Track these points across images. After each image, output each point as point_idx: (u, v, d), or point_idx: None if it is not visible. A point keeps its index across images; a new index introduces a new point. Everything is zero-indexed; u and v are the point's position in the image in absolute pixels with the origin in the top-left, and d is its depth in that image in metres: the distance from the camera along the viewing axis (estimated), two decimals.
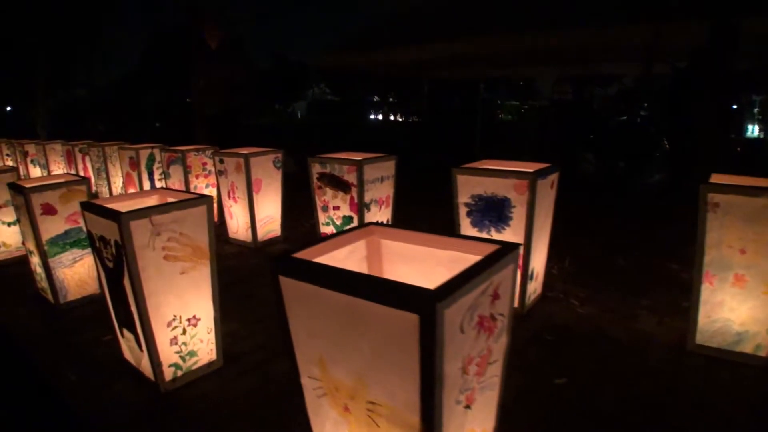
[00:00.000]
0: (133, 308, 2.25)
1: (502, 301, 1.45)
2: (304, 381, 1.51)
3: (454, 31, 10.00)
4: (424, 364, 1.16)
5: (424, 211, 5.19)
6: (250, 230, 4.49)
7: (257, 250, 4.55)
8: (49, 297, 3.38)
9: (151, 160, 5.68)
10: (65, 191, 3.24)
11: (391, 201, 3.99)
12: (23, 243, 4.26)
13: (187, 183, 4.93)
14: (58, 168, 7.82)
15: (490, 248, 1.50)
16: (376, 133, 23.03)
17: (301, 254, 1.50)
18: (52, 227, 3.23)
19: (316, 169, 3.83)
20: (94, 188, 6.71)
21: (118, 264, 2.19)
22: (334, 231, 3.89)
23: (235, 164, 4.36)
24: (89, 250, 3.32)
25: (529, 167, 3.11)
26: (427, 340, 1.13)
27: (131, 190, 5.88)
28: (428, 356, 1.15)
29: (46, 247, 3.22)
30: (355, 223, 3.72)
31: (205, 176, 5.10)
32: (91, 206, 2.28)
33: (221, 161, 4.48)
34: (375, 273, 1.82)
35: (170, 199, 2.57)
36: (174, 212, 2.23)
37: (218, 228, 5.00)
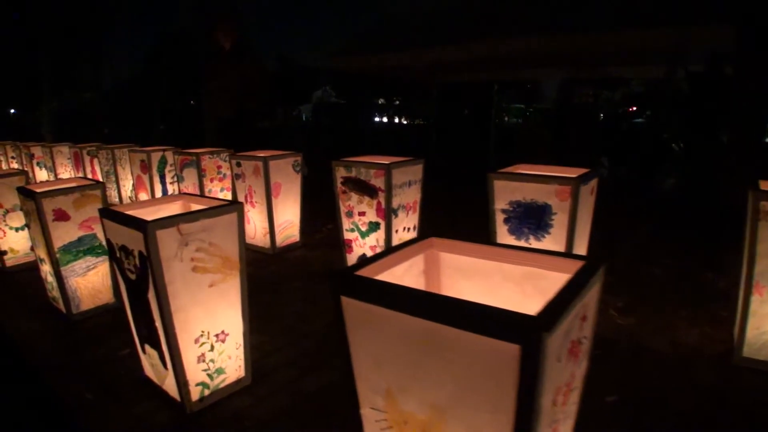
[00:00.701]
0: (158, 324, 2.06)
1: (588, 323, 1.30)
2: (365, 412, 1.33)
3: (469, 33, 9.87)
4: (522, 399, 1.00)
5: (447, 217, 5.01)
6: (268, 236, 4.32)
7: (275, 256, 4.36)
8: (61, 307, 3.20)
9: (162, 163, 5.50)
10: (79, 196, 3.06)
11: (418, 206, 3.80)
12: (32, 249, 4.09)
13: (201, 187, 4.75)
14: (65, 171, 7.65)
15: (567, 264, 1.35)
16: (383, 136, 22.86)
17: (363, 271, 1.31)
18: (64, 234, 3.05)
19: (340, 173, 3.64)
20: None
21: (142, 276, 2.00)
22: (359, 237, 3.72)
23: (254, 167, 4.18)
24: (103, 257, 3.15)
25: (568, 172, 2.96)
26: (528, 373, 0.97)
27: (142, 194, 5.70)
28: (528, 390, 0.98)
29: (58, 255, 3.04)
30: (381, 230, 3.54)
31: (220, 180, 4.92)
32: (112, 214, 2.10)
33: (238, 164, 4.30)
34: (433, 289, 1.64)
35: (194, 206, 2.39)
36: (203, 220, 2.04)
37: None
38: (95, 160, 6.94)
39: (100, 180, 6.43)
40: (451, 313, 1.06)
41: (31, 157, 8.03)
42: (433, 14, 11.58)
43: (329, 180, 3.73)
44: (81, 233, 3.10)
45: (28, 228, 3.27)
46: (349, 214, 3.71)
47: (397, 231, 3.63)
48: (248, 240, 4.53)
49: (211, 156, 4.81)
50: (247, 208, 4.39)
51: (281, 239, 4.40)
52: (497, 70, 12.58)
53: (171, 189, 5.64)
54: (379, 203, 3.53)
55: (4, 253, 4.22)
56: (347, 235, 3.77)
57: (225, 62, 5.61)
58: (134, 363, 2.53)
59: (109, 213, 2.12)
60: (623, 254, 4.33)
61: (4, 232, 4.19)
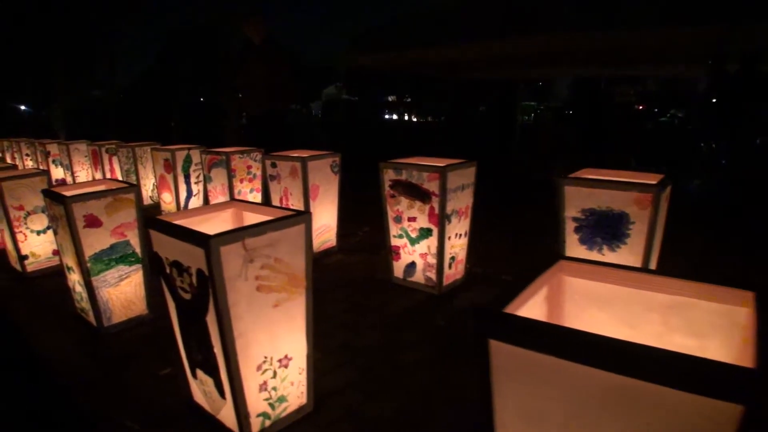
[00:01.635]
0: (218, 350, 1.80)
1: None
2: None
3: (493, 30, 9.63)
4: None
5: (490, 222, 4.74)
6: None
7: (313, 262, 4.08)
8: (91, 319, 2.95)
9: (187, 162, 5.25)
10: (111, 200, 2.80)
11: (470, 211, 3.53)
12: (54, 253, 3.86)
13: (231, 188, 4.49)
14: (82, 169, 7.41)
15: (719, 291, 1.16)
16: (397, 133, 22.58)
17: (509, 308, 1.06)
18: (95, 242, 2.79)
19: (388, 175, 3.37)
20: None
21: (201, 297, 1.74)
22: (408, 244, 3.46)
23: (290, 168, 3.92)
24: (137, 266, 2.90)
25: (641, 178, 2.76)
26: None
27: (166, 194, 5.44)
28: None
29: (89, 264, 2.78)
30: (434, 236, 3.28)
31: (250, 180, 4.66)
32: (164, 225, 1.83)
33: (273, 165, 4.04)
34: (555, 319, 1.37)
35: (247, 214, 2.13)
36: (270, 234, 1.78)
37: None
38: (114, 159, 6.70)
39: (119, 179, 6.20)
40: (652, 366, 0.83)
41: (47, 154, 7.79)
42: (455, 10, 11.34)
43: (357, 179, 3.47)
44: (113, 240, 2.85)
45: (55, 234, 3.02)
46: (398, 220, 3.44)
47: (449, 238, 3.36)
48: None
49: (241, 155, 4.55)
50: None
51: (318, 244, 4.14)
52: (520, 67, 12.33)
53: (196, 189, 5.39)
54: (432, 208, 3.26)
55: (25, 257, 3.98)
56: (395, 242, 3.50)
57: (254, 57, 5.34)
58: (178, 384, 2.28)
59: (160, 224, 1.85)
60: (689, 262, 4.05)
61: (25, 236, 3.95)
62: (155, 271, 1.99)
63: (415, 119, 43.66)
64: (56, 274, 3.86)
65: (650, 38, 8.13)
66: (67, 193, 2.80)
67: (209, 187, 4.71)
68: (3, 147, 9.56)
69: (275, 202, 4.17)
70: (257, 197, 4.76)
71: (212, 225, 2.11)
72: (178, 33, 23.62)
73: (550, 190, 2.87)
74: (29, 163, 8.57)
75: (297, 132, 15.30)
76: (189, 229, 1.72)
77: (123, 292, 2.95)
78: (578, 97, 11.93)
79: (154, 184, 6.09)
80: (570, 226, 2.81)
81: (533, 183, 7.73)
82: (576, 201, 2.73)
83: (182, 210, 4.38)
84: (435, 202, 3.25)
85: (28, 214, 3.92)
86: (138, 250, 2.96)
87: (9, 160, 8.73)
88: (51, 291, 3.67)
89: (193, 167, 5.27)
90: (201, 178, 5.36)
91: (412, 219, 3.38)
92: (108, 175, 6.80)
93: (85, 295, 2.90)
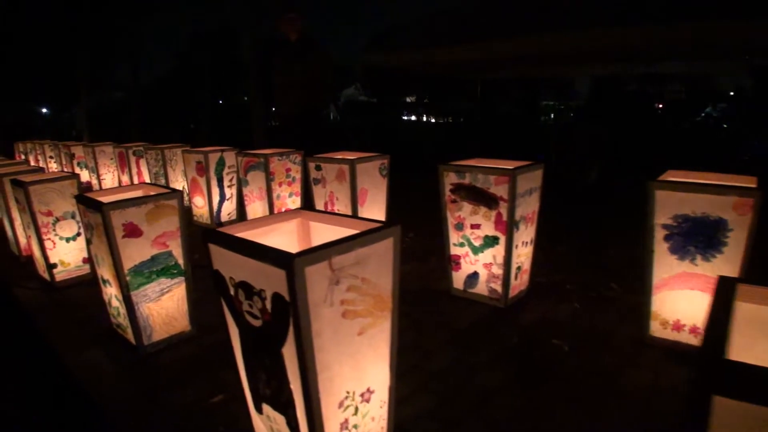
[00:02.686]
0: (295, 386, 1.50)
1: None
2: None
3: (520, 27, 9.36)
4: None
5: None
6: None
7: None
8: (129, 337, 2.68)
9: (221, 164, 4.98)
10: (153, 207, 2.52)
11: (536, 218, 3.22)
12: (84, 261, 3.61)
13: (269, 191, 4.22)
14: (108, 171, 7.20)
15: None
16: (417, 134, 22.30)
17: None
18: (135, 253, 2.52)
19: (449, 179, 3.07)
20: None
21: (277, 326, 1.45)
22: (470, 253, 3.15)
23: (337, 172, 3.64)
24: (179, 279, 2.63)
25: (737, 181, 2.53)
26: None
27: (198, 198, 5.18)
28: None
29: (128, 278, 2.50)
30: (500, 245, 2.97)
31: (289, 184, 4.39)
32: (230, 241, 1.55)
33: (318, 168, 3.76)
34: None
35: (317, 224, 1.84)
36: (358, 250, 1.48)
37: None
38: (141, 161, 6.46)
39: (147, 182, 5.95)
40: None
41: (72, 156, 7.59)
42: (482, 8, 11.07)
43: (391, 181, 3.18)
44: (155, 251, 2.57)
45: (89, 243, 2.75)
46: (459, 227, 3.14)
47: (516, 246, 3.05)
48: None
49: (280, 157, 4.27)
50: None
51: None
52: (550, 65, 12.03)
53: (229, 193, 5.12)
54: (499, 214, 2.96)
55: (54, 266, 3.72)
56: (455, 251, 3.20)
57: (291, 55, 5.06)
58: (233, 414, 2.01)
59: (225, 239, 1.57)
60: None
61: (54, 243, 3.69)
62: (215, 290, 1.70)
63: (433, 120, 43.40)
64: (87, 284, 3.63)
65: (686, 33, 7.85)
66: (104, 200, 2.53)
67: (245, 191, 4.44)
68: (26, 149, 9.40)
69: (319, 206, 3.89)
70: (296, 201, 4.49)
71: (279, 238, 1.83)
72: (200, 34, 23.56)
73: (595, 192, 2.58)
74: (53, 166, 8.39)
75: (324, 132, 15.02)
76: (265, 246, 1.44)
77: (164, 307, 2.68)
78: (613, 96, 11.57)
79: (183, 188, 5.84)
80: (660, 234, 2.52)
81: (574, 184, 7.41)
82: (668, 206, 2.46)
83: (244, 221, 4.12)
84: (503, 208, 2.95)
85: (57, 220, 3.67)
86: (181, 261, 2.69)
87: (33, 163, 8.54)
88: (82, 302, 3.41)
89: (226, 170, 5.01)
90: (234, 181, 5.10)
91: (475, 226, 3.08)
92: (135, 179, 6.57)
93: (122, 310, 2.63)
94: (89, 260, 3.84)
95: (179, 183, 5.73)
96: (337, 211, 3.73)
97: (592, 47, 8.78)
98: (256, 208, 4.34)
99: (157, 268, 2.60)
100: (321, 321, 1.44)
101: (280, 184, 4.31)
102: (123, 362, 2.62)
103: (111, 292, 2.70)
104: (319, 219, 1.91)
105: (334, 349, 1.51)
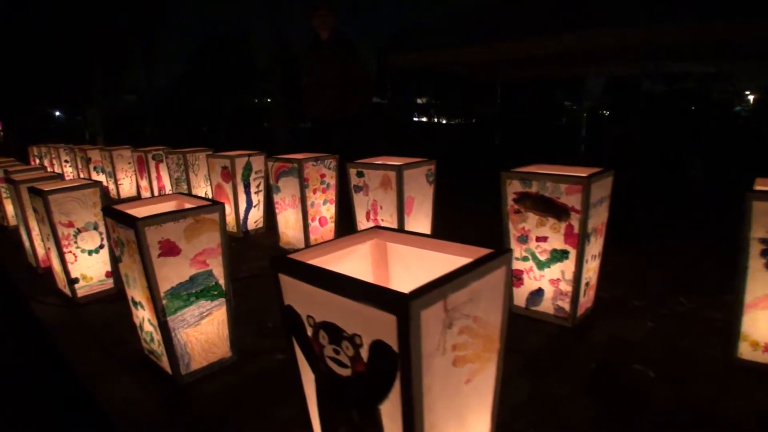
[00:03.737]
0: None
1: None
2: None
3: (544, 27, 9.17)
4: None
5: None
6: None
7: None
8: (164, 365, 2.39)
9: (247, 169, 4.70)
10: (192, 222, 2.23)
11: (605, 228, 2.92)
12: (107, 275, 3.35)
13: (304, 199, 3.94)
14: (126, 176, 6.94)
15: None
16: (432, 135, 22.03)
17: None
18: (173, 273, 2.23)
19: (513, 187, 2.78)
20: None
21: (378, 380, 1.16)
22: (534, 268, 2.86)
23: (382, 178, 3.34)
24: (220, 300, 2.34)
25: None
26: None
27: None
28: None
29: (164, 301, 2.21)
30: (570, 260, 2.68)
31: (323, 191, 4.10)
32: (310, 273, 1.25)
33: (360, 174, 3.47)
34: None
35: (395, 246, 1.55)
36: (472, 285, 1.19)
37: None
38: (161, 165, 6.20)
39: (166, 187, 5.70)
40: None
41: (88, 161, 7.33)
42: (506, 6, 10.85)
43: None
44: (194, 271, 2.29)
45: (118, 261, 2.46)
46: (523, 239, 2.84)
47: (587, 261, 2.75)
48: None
49: (315, 163, 3.98)
50: (367, 226, 3.56)
51: None
52: (574, 65, 11.78)
53: (256, 200, 4.85)
54: (569, 226, 2.66)
55: (75, 281, 3.45)
56: (517, 265, 2.90)
57: (323, 54, 4.77)
58: None
59: (302, 270, 1.27)
60: None
61: (75, 256, 3.42)
62: (284, 328, 1.41)
63: (444, 121, 43.09)
64: (110, 300, 3.36)
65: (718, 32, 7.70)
66: (134, 212, 2.25)
67: (276, 198, 4.15)
68: (41, 153, 9.16)
69: (360, 216, 3.60)
70: (330, 209, 4.20)
71: (353, 264, 1.54)
72: (211, 37, 23.40)
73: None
74: (68, 170, 8.14)
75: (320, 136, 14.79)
76: (364, 282, 1.14)
77: (204, 332, 2.39)
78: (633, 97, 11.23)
79: (205, 194, 5.57)
80: (756, 249, 2.24)
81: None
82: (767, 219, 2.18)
83: (316, 245, 3.86)
84: (574, 219, 2.65)
85: (79, 231, 3.40)
86: (222, 281, 2.40)
87: (48, 167, 8.30)
88: (107, 321, 3.14)
89: (253, 175, 4.73)
90: (262, 187, 4.82)
91: (542, 239, 2.78)
92: (154, 184, 6.30)
93: (157, 336, 2.34)
94: (112, 274, 3.56)
95: (201, 189, 5.46)
96: (381, 222, 3.44)
97: (627, 45, 8.55)
98: (288, 216, 4.05)
99: (196, 289, 2.31)
100: (432, 373, 1.15)
101: (314, 191, 4.02)
102: (159, 395, 2.33)
103: (143, 316, 2.42)
104: (398, 239, 1.62)
105: (442, 404, 1.22)
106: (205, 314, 2.38)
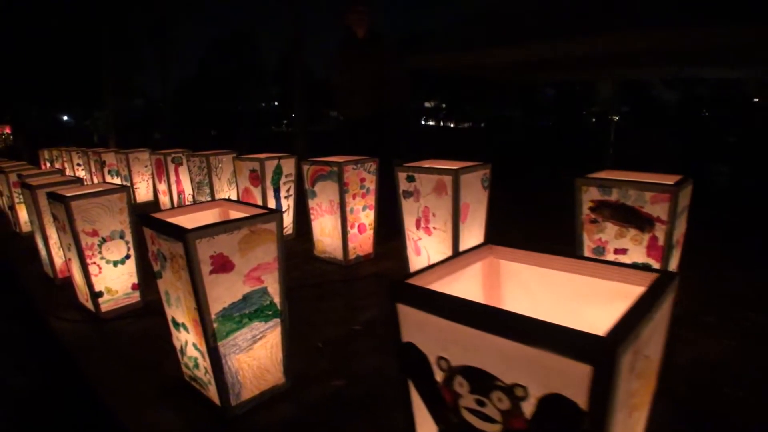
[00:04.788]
0: None
1: None
2: None
3: (573, 27, 8.86)
4: None
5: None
6: None
7: None
8: (211, 395, 2.13)
9: (277, 173, 4.45)
10: (247, 234, 1.97)
11: (683, 240, 2.65)
12: (133, 288, 3.10)
13: (343, 205, 3.67)
14: (142, 180, 6.68)
15: None
16: (445, 140, 21.80)
17: None
18: (225, 292, 1.96)
19: (589, 195, 2.51)
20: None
21: None
22: None
23: (435, 183, 3.08)
24: (274, 321, 2.08)
25: None
26: None
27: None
28: None
29: (215, 325, 1.94)
30: None
31: (363, 196, 3.83)
32: (450, 305, 0.98)
33: (410, 179, 3.20)
34: None
35: (509, 264, 1.30)
36: (655, 317, 0.93)
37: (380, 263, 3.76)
38: (180, 168, 5.94)
39: (185, 191, 5.45)
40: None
41: (103, 164, 7.07)
42: (525, 8, 10.56)
43: None
44: (247, 289, 2.02)
45: (158, 277, 2.19)
46: (599, 251, 2.57)
47: None
48: None
49: (355, 166, 3.71)
50: (418, 235, 3.30)
51: None
52: (606, 67, 11.54)
53: (285, 204, 4.59)
54: (653, 238, 2.39)
55: (100, 294, 3.19)
56: None
57: (358, 53, 4.51)
58: None
59: (432, 301, 1.01)
60: None
61: (100, 268, 3.16)
62: (403, 368, 1.14)
63: (452, 125, 42.87)
64: (137, 315, 3.09)
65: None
66: (178, 221, 1.99)
67: (312, 203, 3.88)
68: (52, 156, 8.92)
69: (409, 224, 3.34)
70: (369, 215, 3.94)
71: (464, 286, 1.27)
72: (219, 41, 23.26)
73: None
74: (81, 174, 7.90)
75: (331, 138, 14.61)
76: (547, 323, 0.87)
77: (256, 357, 2.12)
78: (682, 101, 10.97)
79: (239, 198, 5.32)
80: None
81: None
82: None
83: (430, 267, 3.61)
84: (659, 231, 2.38)
85: (104, 240, 3.14)
86: (277, 299, 2.14)
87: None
88: (135, 340, 2.88)
89: (283, 179, 4.47)
90: (292, 191, 4.56)
91: (620, 251, 2.52)
92: (174, 188, 6.04)
93: (203, 362, 2.07)
94: (139, 286, 3.31)
95: (225, 193, 5.22)
96: (433, 230, 3.17)
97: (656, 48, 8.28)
98: (324, 223, 3.78)
99: (249, 309, 2.04)
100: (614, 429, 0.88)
101: (353, 196, 3.76)
102: (204, 428, 2.06)
103: (187, 339, 2.15)
104: (513, 257, 1.35)
105: None
106: (258, 337, 2.11)
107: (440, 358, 1.03)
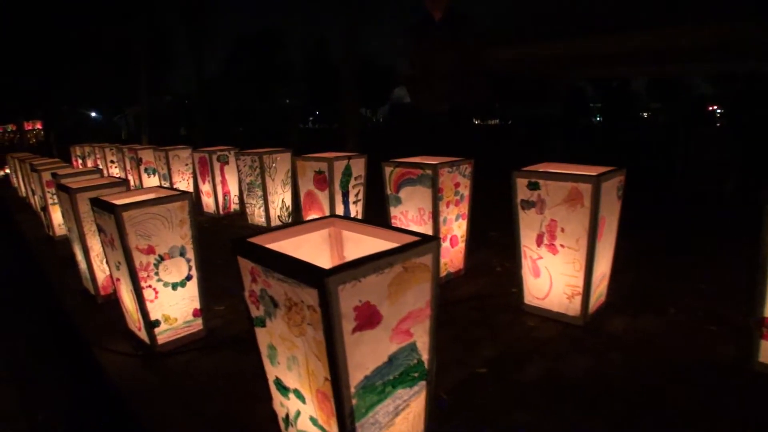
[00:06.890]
0: None
1: None
2: None
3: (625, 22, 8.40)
4: None
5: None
6: (576, 297, 2.59)
7: (587, 329, 2.62)
8: None
9: (347, 174, 3.87)
10: (401, 272, 1.37)
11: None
12: (194, 315, 2.56)
13: (436, 215, 3.07)
14: (182, 179, 6.15)
15: None
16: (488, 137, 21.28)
17: None
18: (369, 355, 1.38)
19: None
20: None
21: None
22: None
23: (568, 193, 2.46)
24: (420, 385, 1.49)
25: None
26: None
27: (312, 216, 4.04)
28: None
29: (355, 401, 1.35)
30: None
31: (456, 203, 3.23)
32: None
33: (533, 186, 2.58)
34: None
35: None
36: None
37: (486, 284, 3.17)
38: (225, 168, 5.40)
39: (232, 192, 4.91)
40: None
41: (139, 161, 6.55)
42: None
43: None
44: (394, 347, 1.43)
45: (259, 326, 1.60)
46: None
47: None
48: (536, 302, 2.82)
49: (450, 169, 3.12)
50: (540, 253, 2.68)
51: (593, 301, 2.67)
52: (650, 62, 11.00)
53: (354, 210, 4.01)
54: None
55: (156, 324, 2.63)
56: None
57: (434, 38, 3.88)
58: None
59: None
60: None
61: (156, 292, 2.60)
62: None
63: (477, 122, 42.17)
64: (199, 348, 2.53)
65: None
66: (289, 247, 1.40)
67: (395, 212, 3.28)
68: (84, 153, 8.45)
69: (527, 240, 2.73)
70: (462, 226, 3.34)
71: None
72: (245, 38, 22.95)
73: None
74: (115, 171, 7.42)
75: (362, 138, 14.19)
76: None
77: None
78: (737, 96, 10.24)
79: (282, 201, 4.75)
80: None
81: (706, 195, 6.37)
82: None
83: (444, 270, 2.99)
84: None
85: (162, 259, 2.57)
86: (425, 356, 1.54)
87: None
88: (203, 382, 2.30)
89: (352, 182, 3.89)
90: (361, 196, 3.98)
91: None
92: (219, 189, 5.50)
93: None
94: (201, 312, 2.74)
95: (278, 195, 4.65)
96: (560, 248, 2.56)
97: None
98: None
99: (394, 375, 1.46)
100: None
101: (447, 204, 3.16)
102: None
103: (300, 410, 1.57)
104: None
105: None
106: (401, 408, 1.52)
107: None
